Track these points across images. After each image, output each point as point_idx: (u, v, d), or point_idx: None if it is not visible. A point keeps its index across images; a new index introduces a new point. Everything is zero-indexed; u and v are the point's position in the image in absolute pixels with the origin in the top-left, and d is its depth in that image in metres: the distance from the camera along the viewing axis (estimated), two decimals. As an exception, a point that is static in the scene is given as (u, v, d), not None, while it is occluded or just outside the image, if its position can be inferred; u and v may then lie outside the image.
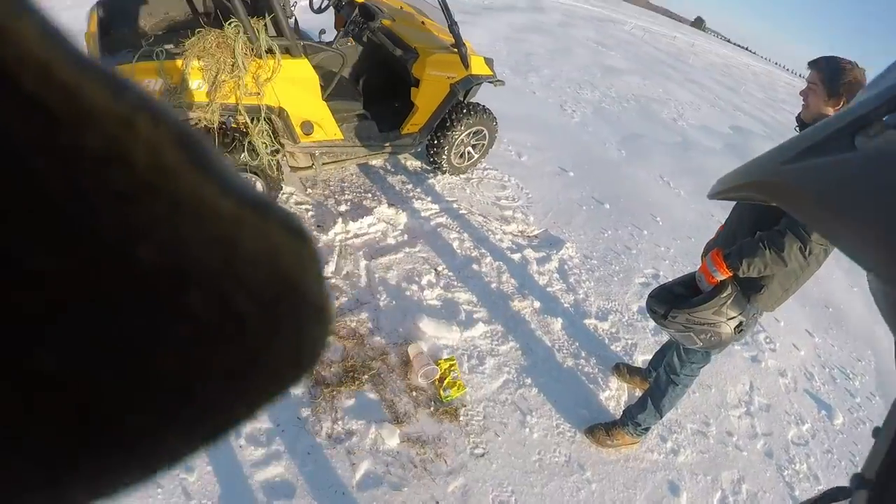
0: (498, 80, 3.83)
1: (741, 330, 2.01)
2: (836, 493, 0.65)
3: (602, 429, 2.53)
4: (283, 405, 2.35)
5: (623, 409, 2.58)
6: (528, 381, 2.68)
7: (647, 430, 2.49)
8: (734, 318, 1.97)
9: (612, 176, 5.18)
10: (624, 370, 2.90)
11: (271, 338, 0.17)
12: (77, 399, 0.14)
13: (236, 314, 0.16)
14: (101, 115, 0.13)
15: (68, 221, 0.13)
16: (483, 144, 4.05)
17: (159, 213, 0.14)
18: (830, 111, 1.85)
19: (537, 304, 3.13)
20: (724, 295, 1.95)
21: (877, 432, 0.55)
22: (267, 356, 0.17)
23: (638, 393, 2.77)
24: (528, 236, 3.73)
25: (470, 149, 4.01)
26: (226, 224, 0.16)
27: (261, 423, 2.28)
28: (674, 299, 2.08)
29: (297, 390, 2.41)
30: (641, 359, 3.06)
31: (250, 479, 2.12)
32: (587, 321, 3.17)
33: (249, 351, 0.16)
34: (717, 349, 2.10)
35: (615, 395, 2.80)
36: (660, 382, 2.37)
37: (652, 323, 3.17)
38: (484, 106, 3.88)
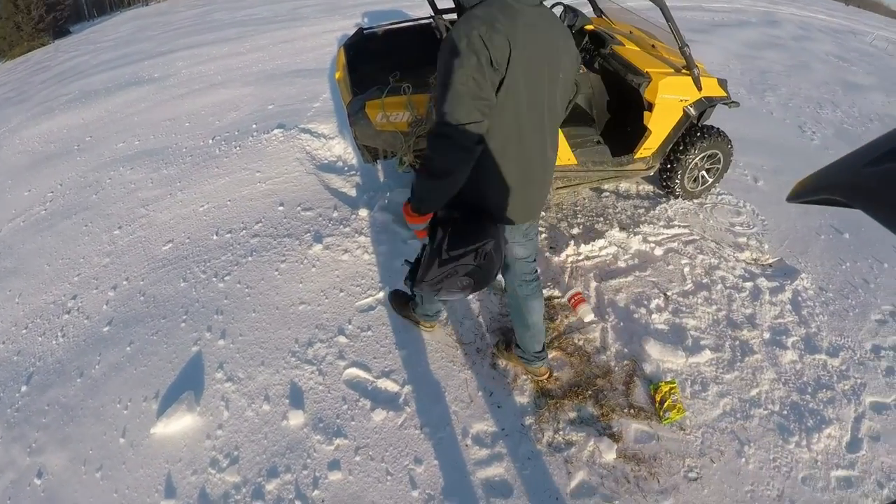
0: (732, 102, 3.60)
1: None
2: None
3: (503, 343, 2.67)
4: (510, 412, 2.50)
5: None
6: (750, 411, 2.59)
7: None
8: None
9: (855, 203, 4.44)
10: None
11: None
12: None
13: None
14: None
15: None
16: (717, 168, 3.85)
17: None
18: None
19: (767, 336, 2.96)
20: None
21: None
22: None
23: None
24: (762, 265, 3.49)
25: (704, 173, 3.84)
26: None
27: (487, 426, 2.45)
28: None
29: (524, 399, 2.54)
30: (869, 400, 2.74)
31: (472, 476, 2.29)
32: (817, 356, 2.91)
33: None
34: None
35: (838, 436, 2.55)
36: None
37: (884, 363, 2.90)
38: (718, 128, 3.70)
